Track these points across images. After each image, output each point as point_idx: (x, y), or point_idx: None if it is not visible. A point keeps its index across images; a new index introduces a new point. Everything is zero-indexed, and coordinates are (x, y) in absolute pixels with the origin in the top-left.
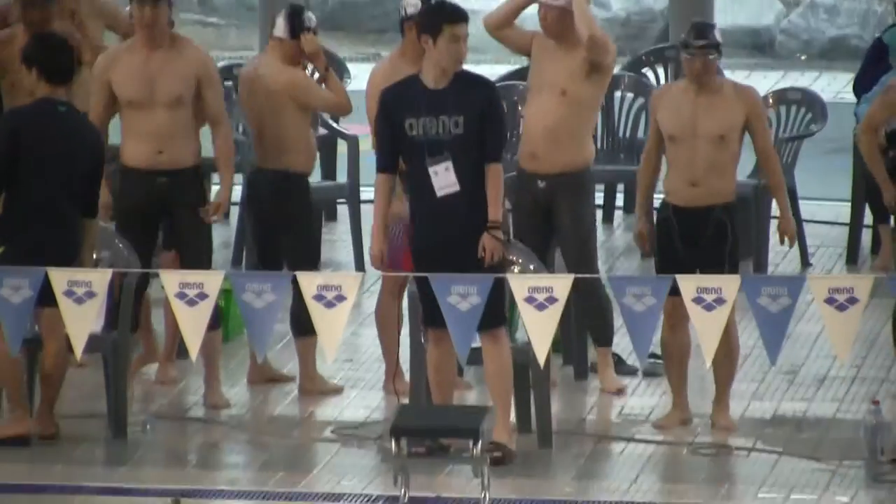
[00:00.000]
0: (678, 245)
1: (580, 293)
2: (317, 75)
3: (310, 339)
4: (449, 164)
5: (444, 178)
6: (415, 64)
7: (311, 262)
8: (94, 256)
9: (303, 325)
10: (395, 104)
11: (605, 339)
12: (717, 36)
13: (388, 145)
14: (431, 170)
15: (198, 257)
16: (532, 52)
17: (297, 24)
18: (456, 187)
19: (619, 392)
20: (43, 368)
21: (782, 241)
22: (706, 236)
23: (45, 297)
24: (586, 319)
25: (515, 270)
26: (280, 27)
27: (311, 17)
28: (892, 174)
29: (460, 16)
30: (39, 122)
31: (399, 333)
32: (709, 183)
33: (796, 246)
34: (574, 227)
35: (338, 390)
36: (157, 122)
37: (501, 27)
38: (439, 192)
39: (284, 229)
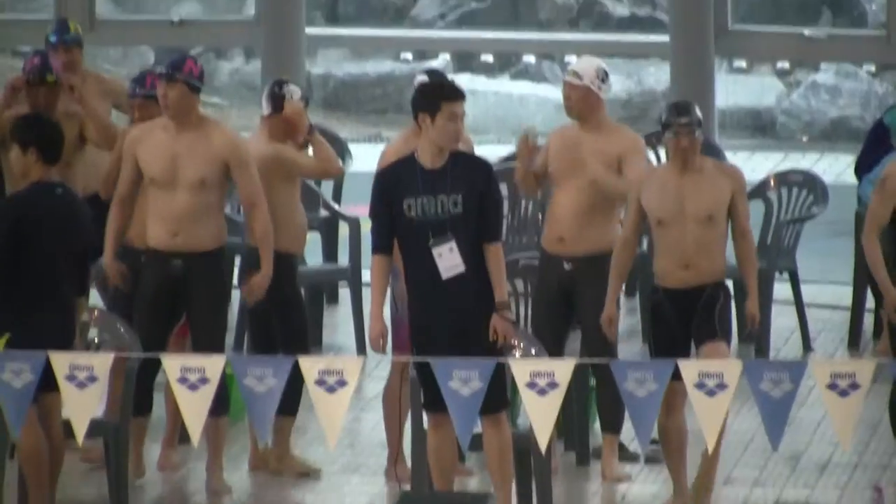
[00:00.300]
0: (675, 329)
1: (598, 378)
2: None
3: (288, 419)
4: (453, 244)
5: (448, 260)
6: None
7: (301, 344)
8: (96, 340)
9: (284, 405)
10: (392, 184)
11: (614, 426)
12: (698, 113)
13: (384, 226)
14: (436, 251)
15: (209, 343)
16: (552, 148)
17: (276, 97)
18: (461, 268)
19: (622, 481)
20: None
21: (749, 325)
22: (697, 311)
23: (44, 381)
24: (600, 404)
25: (517, 355)
26: (264, 105)
27: (293, 88)
28: None
29: (458, 94)
30: (40, 208)
31: (403, 417)
32: (700, 264)
33: (798, 330)
34: (597, 310)
35: (310, 472)
36: (177, 203)
37: (535, 180)
38: (445, 275)
39: (275, 310)
